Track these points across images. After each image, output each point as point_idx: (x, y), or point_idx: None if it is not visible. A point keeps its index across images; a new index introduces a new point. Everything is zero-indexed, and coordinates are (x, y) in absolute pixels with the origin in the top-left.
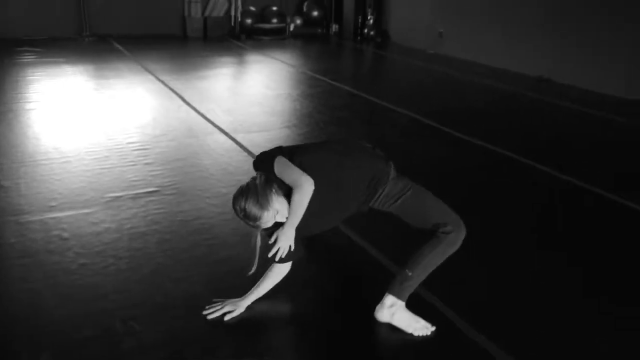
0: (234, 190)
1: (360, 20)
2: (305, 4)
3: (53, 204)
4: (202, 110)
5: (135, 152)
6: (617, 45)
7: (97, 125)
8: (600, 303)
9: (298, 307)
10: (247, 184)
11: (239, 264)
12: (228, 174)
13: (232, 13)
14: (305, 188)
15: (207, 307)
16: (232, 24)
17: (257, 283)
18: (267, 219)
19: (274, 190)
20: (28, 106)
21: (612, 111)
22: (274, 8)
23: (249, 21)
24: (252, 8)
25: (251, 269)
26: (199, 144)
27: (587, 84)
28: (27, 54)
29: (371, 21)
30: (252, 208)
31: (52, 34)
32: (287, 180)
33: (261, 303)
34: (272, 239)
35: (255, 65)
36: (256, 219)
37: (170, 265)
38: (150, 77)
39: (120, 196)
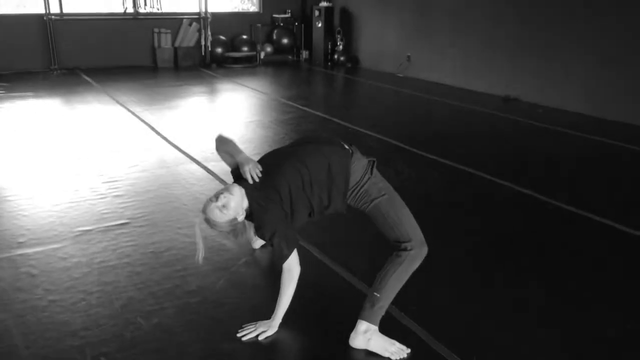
0: None
1: (330, 47)
2: (275, 31)
3: (21, 240)
4: (174, 140)
5: (106, 184)
6: (574, 66)
7: (65, 158)
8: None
9: (274, 337)
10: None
11: (212, 295)
12: (200, 203)
13: (203, 42)
14: (294, 277)
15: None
16: (203, 53)
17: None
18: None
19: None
20: None
21: (573, 128)
22: (244, 36)
23: (219, 50)
24: (222, 37)
25: (198, 259)
26: (170, 174)
27: (552, 102)
28: None
29: (341, 47)
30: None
31: (19, 68)
32: (277, 253)
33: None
34: (260, 331)
35: (227, 93)
36: (215, 224)
37: (142, 298)
38: (121, 108)
39: (90, 230)
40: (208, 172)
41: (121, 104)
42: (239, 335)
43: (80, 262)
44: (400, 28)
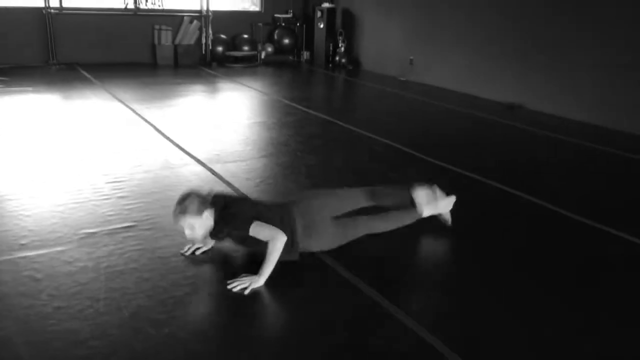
0: None
1: (331, 48)
2: (276, 31)
3: (23, 242)
4: (177, 140)
5: (109, 185)
6: (581, 74)
7: (67, 157)
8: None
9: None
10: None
11: (224, 303)
12: None
13: (203, 41)
14: (280, 239)
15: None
16: (203, 51)
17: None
18: (184, 222)
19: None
20: None
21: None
22: (245, 36)
23: (220, 49)
24: (223, 36)
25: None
26: (175, 175)
27: (558, 110)
28: None
29: (342, 49)
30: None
31: (18, 62)
32: (262, 236)
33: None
34: (247, 284)
35: (228, 93)
36: (180, 212)
37: (151, 307)
38: (121, 105)
39: (95, 232)
40: (213, 174)
41: (121, 101)
42: (228, 287)
43: (86, 266)
44: (403, 31)
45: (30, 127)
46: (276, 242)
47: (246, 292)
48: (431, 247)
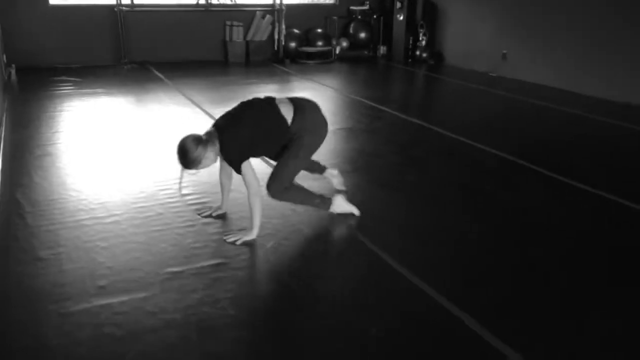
0: (328, 258)
1: (411, 41)
2: (352, 25)
3: (101, 283)
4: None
5: (192, 207)
6: None
7: (144, 171)
8: None
9: None
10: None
11: None
12: (316, 235)
13: (276, 36)
14: (256, 194)
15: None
16: (276, 47)
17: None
18: (195, 166)
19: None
20: (66, 148)
21: None
22: (319, 30)
23: (293, 44)
24: (296, 30)
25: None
26: (267, 198)
27: None
28: (63, 84)
29: (423, 42)
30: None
31: (89, 62)
32: (245, 179)
33: None
34: (240, 236)
35: (305, 93)
36: (187, 162)
37: None
38: (197, 109)
39: (181, 271)
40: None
41: (197, 104)
42: (224, 238)
43: (174, 320)
44: (494, 22)
45: (101, 134)
46: (254, 198)
47: (237, 243)
48: None
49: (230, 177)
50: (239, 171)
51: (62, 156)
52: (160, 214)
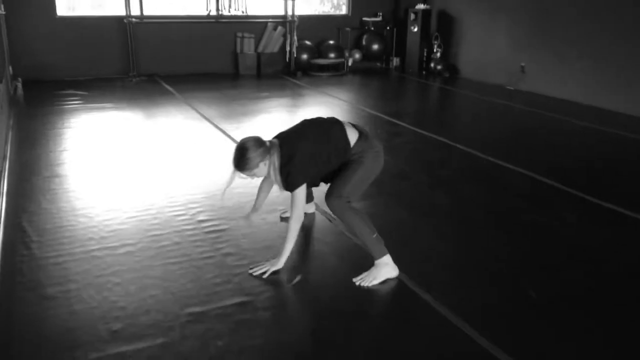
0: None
1: (425, 53)
2: (365, 36)
3: (115, 327)
4: None
5: (210, 235)
6: None
7: (157, 192)
8: None
9: None
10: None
11: None
12: (347, 270)
13: (288, 48)
14: (297, 221)
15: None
16: (287, 59)
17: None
18: (249, 169)
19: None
20: (74, 168)
21: None
22: (331, 42)
23: (304, 56)
24: (308, 42)
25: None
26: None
27: None
28: (71, 98)
29: (438, 54)
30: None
31: (97, 74)
32: (295, 200)
33: None
34: (266, 268)
35: (319, 108)
36: (243, 162)
37: None
38: (208, 125)
39: (203, 312)
40: (331, 221)
41: (208, 119)
42: (250, 271)
43: None
44: (512, 34)
45: (110, 152)
46: (295, 223)
47: (264, 275)
48: None
49: (271, 185)
50: (291, 188)
51: (70, 177)
52: (177, 243)
